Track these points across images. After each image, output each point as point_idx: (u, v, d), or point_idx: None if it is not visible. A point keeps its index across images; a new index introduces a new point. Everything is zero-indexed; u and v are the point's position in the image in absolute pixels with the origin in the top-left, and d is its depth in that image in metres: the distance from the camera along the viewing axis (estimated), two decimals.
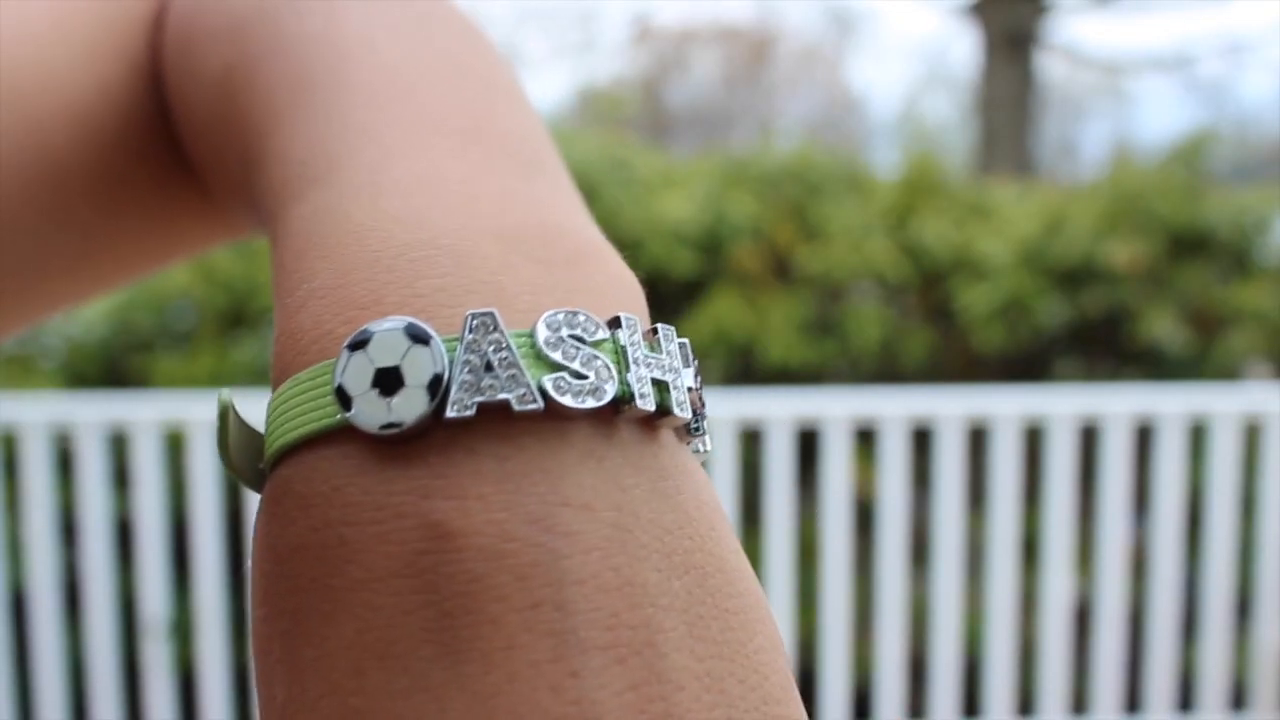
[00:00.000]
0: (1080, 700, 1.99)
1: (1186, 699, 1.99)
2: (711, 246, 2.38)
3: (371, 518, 0.18)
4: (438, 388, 0.18)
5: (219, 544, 1.83)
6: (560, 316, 0.19)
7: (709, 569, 0.19)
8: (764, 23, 10.28)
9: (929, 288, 2.44)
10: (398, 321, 0.19)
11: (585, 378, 0.19)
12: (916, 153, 2.94)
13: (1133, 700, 1.98)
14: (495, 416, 0.19)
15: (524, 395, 0.18)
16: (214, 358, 2.24)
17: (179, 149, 0.32)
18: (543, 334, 0.19)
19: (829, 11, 10.34)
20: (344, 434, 0.19)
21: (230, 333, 2.30)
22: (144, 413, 1.83)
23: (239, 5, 0.29)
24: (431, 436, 0.19)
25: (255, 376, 2.18)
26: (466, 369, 0.19)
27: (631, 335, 0.20)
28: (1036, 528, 1.95)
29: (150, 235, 0.35)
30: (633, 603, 0.18)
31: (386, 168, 0.23)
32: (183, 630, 1.92)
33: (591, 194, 2.29)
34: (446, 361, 0.19)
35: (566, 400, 0.19)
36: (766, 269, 2.41)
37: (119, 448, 1.89)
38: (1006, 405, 1.89)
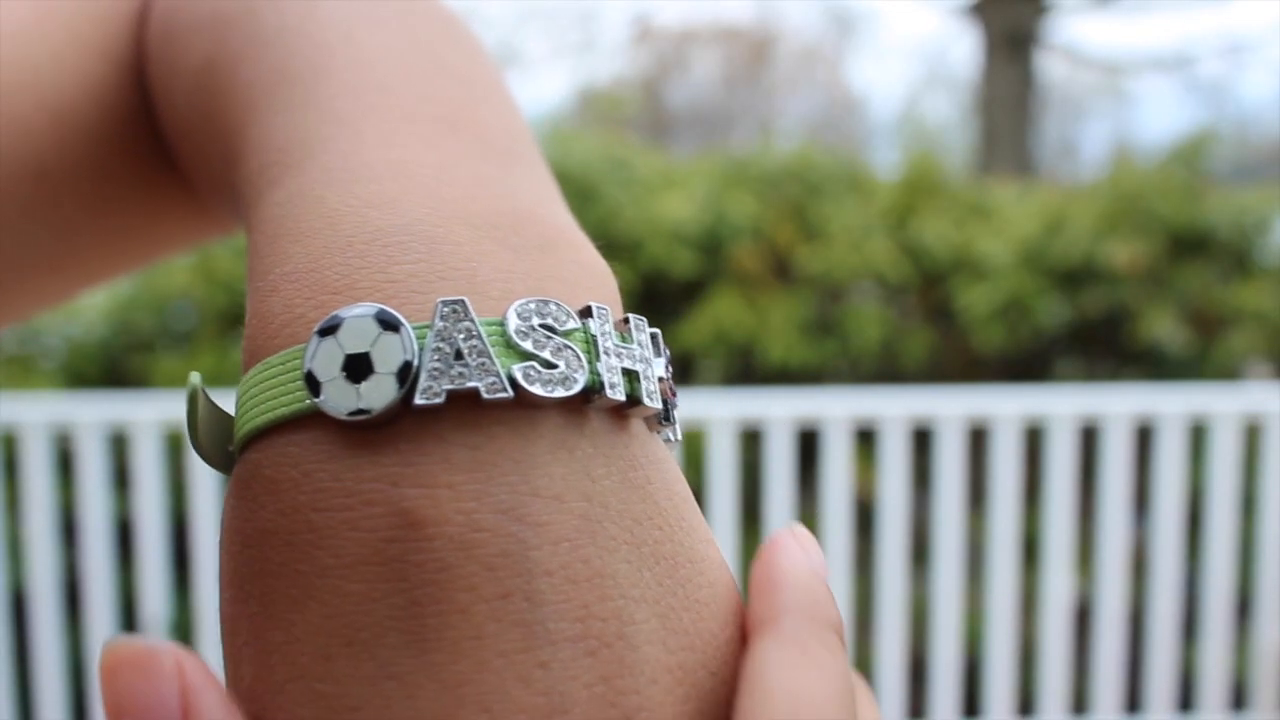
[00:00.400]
0: (1080, 700, 1.99)
1: (1186, 699, 1.99)
2: (711, 246, 2.38)
3: (341, 504, 0.18)
4: (407, 375, 0.18)
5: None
6: (531, 305, 0.19)
7: (679, 559, 0.19)
8: (764, 23, 10.28)
9: (929, 288, 2.43)
10: (368, 308, 0.19)
11: (555, 367, 0.19)
12: (916, 153, 2.94)
13: (1133, 700, 1.98)
14: (465, 405, 0.19)
15: (493, 384, 0.18)
16: (214, 358, 2.24)
17: (163, 145, 0.32)
18: (513, 323, 0.19)
19: (829, 11, 10.34)
20: (313, 419, 0.19)
21: (230, 333, 2.30)
22: (144, 413, 1.83)
23: None
24: (401, 424, 0.19)
25: None
26: (436, 356, 0.18)
27: (602, 325, 0.20)
28: (1036, 528, 1.95)
29: (135, 231, 0.35)
30: (603, 594, 0.18)
31: (361, 154, 0.23)
32: (183, 630, 1.92)
33: (591, 194, 2.29)
34: (416, 349, 0.19)
35: (536, 389, 0.19)
36: (766, 269, 2.41)
37: (119, 448, 1.89)
38: (1007, 405, 1.88)
